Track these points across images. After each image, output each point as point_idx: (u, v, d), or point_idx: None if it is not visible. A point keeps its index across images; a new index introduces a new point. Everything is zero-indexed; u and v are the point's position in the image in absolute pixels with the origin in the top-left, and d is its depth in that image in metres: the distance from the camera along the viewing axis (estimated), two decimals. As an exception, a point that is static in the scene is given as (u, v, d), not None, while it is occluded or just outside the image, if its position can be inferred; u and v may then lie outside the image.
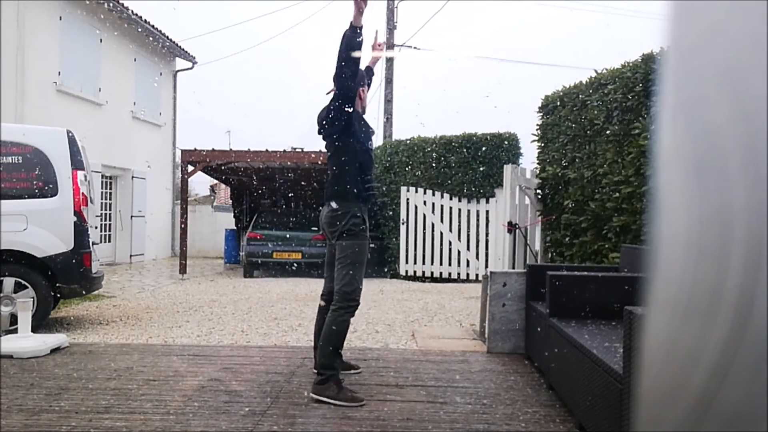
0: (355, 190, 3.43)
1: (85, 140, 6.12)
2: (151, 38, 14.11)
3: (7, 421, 2.94)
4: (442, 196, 10.63)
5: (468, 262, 10.59)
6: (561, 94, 6.65)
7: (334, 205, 3.43)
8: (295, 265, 11.13)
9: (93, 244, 5.74)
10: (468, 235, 10.56)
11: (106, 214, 13.04)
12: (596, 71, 5.96)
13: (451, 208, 10.59)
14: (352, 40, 3.21)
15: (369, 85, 4.03)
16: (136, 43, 13.68)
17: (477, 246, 10.53)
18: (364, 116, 3.75)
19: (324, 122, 3.53)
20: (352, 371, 3.90)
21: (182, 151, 11.97)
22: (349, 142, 3.46)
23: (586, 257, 5.87)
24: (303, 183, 13.45)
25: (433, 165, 10.73)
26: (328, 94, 3.58)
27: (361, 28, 3.20)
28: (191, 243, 12.38)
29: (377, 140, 13.34)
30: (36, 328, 4.86)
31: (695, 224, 0.53)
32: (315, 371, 3.48)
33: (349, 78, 3.30)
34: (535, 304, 4.15)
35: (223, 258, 14.43)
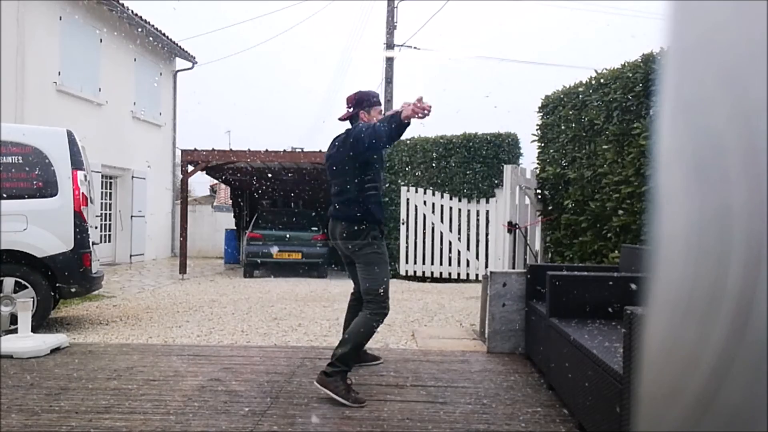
0: (374, 213, 3.57)
1: (85, 140, 6.12)
2: (151, 38, 14.10)
3: (7, 421, 2.94)
4: (442, 196, 10.64)
5: (468, 262, 10.59)
6: (561, 94, 6.64)
7: (354, 224, 3.53)
8: (295, 265, 11.13)
9: (93, 244, 5.73)
10: (468, 235, 10.56)
11: (106, 214, 13.03)
12: (596, 71, 5.96)
13: (451, 208, 10.60)
14: (398, 132, 3.42)
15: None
16: (136, 43, 13.67)
17: (477, 246, 10.53)
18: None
19: (356, 141, 3.55)
20: (376, 362, 4.11)
21: (182, 151, 11.96)
22: (375, 168, 3.66)
23: (586, 257, 5.87)
24: (303, 183, 13.45)
25: (433, 165, 10.74)
26: (340, 119, 3.80)
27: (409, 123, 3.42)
28: (191, 243, 12.38)
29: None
30: (36, 328, 4.87)
31: (695, 224, 0.53)
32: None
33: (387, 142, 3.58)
34: (535, 304, 4.15)
35: (223, 258, 14.44)
